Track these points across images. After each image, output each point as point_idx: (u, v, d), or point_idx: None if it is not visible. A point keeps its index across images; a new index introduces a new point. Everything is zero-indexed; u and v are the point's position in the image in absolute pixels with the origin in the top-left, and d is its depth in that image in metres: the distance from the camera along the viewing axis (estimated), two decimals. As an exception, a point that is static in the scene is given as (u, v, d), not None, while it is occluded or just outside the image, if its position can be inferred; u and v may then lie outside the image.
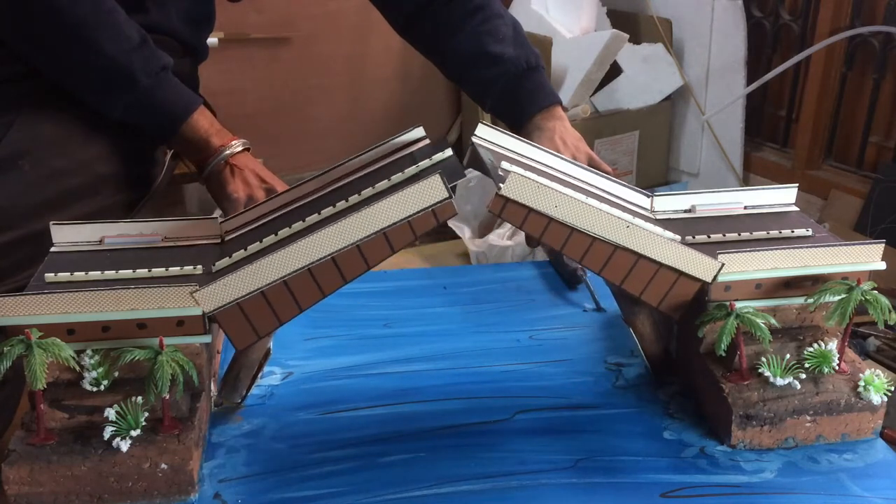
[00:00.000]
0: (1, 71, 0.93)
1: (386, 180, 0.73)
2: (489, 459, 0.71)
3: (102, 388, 0.67)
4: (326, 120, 2.41)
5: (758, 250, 0.72)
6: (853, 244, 0.73)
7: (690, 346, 0.78)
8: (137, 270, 0.72)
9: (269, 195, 0.89)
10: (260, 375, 0.82)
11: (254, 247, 0.72)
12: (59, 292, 0.65)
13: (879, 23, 1.95)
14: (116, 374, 0.67)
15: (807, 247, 0.73)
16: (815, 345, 0.74)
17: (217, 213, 0.91)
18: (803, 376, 0.72)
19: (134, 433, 0.64)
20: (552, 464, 0.71)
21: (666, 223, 0.81)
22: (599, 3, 2.36)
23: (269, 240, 0.73)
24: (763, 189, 0.86)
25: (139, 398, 0.65)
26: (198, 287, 0.66)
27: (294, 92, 2.34)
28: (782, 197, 0.86)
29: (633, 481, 0.69)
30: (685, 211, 0.85)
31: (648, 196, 0.86)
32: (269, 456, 0.72)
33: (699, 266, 0.72)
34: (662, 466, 0.70)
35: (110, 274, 0.71)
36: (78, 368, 0.66)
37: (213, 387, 0.78)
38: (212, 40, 1.46)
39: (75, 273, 0.71)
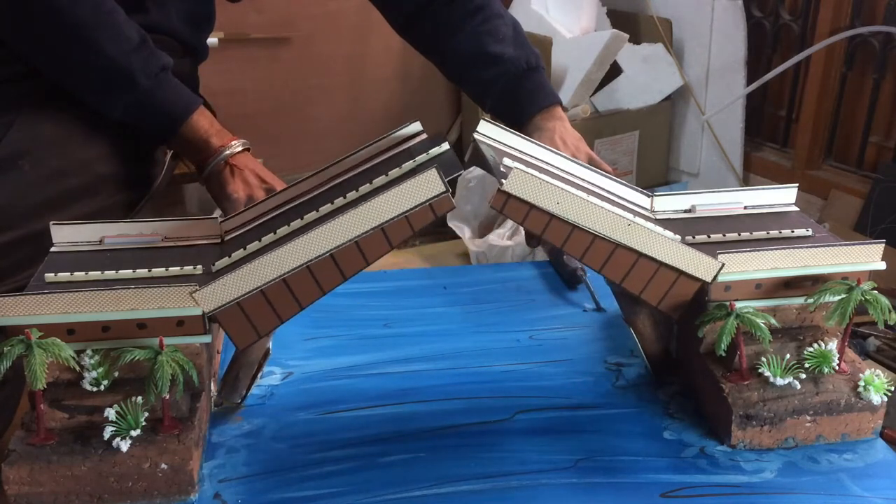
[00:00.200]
0: (1, 71, 0.93)
1: (383, 176, 0.73)
2: (489, 459, 0.71)
3: (102, 388, 0.67)
4: (326, 120, 2.41)
5: (758, 250, 0.72)
6: (853, 244, 0.73)
7: (690, 346, 0.78)
8: (137, 270, 0.72)
9: (268, 195, 0.89)
10: (260, 375, 0.82)
11: (253, 246, 0.72)
12: (59, 292, 0.65)
13: (879, 23, 1.95)
14: (116, 374, 0.67)
15: (807, 247, 0.73)
16: (815, 345, 0.74)
17: (217, 213, 0.91)
18: (803, 376, 0.72)
19: (134, 433, 0.64)
20: (552, 464, 0.71)
21: (666, 223, 0.81)
22: (599, 3, 2.36)
23: (269, 238, 0.73)
24: (763, 189, 0.86)
25: (139, 398, 0.65)
26: (198, 287, 0.66)
27: (294, 92, 2.34)
28: (782, 197, 0.86)
29: (633, 481, 0.69)
30: (685, 211, 0.85)
31: (649, 196, 0.86)
32: (269, 456, 0.72)
33: (699, 266, 0.72)
34: (662, 466, 0.70)
35: (110, 274, 0.71)
36: (78, 368, 0.66)
37: (213, 387, 0.78)
38: (212, 40, 1.46)
39: (75, 273, 0.71)
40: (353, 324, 0.95)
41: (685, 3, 2.29)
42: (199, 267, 0.72)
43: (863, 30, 1.96)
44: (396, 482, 0.68)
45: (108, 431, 0.64)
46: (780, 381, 0.71)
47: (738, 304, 0.71)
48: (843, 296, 0.71)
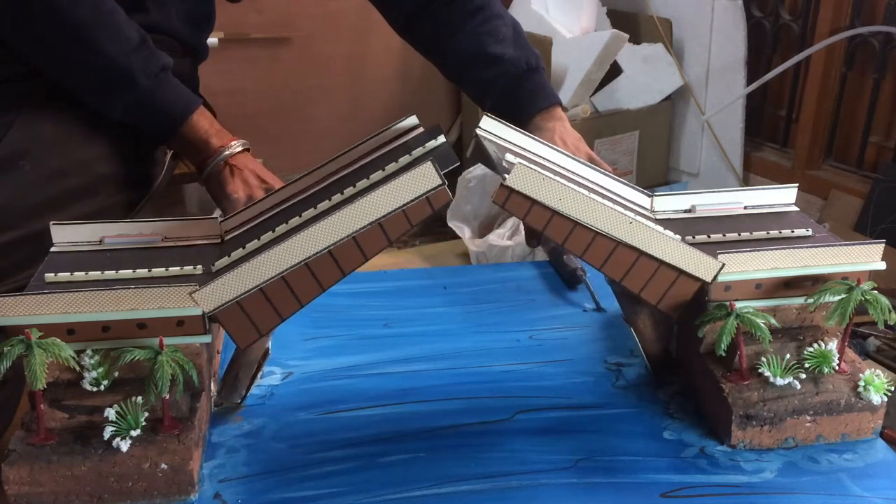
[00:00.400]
0: (1, 71, 0.93)
1: (380, 171, 0.73)
2: (489, 459, 0.71)
3: (102, 388, 0.67)
4: (326, 120, 2.41)
5: (758, 250, 0.72)
6: (853, 244, 0.73)
7: (690, 346, 0.78)
8: (137, 270, 0.72)
9: (268, 194, 0.89)
10: (259, 375, 0.82)
11: (252, 245, 0.72)
12: (59, 292, 0.65)
13: (879, 23, 1.95)
14: (116, 374, 0.67)
15: (807, 247, 0.73)
16: (815, 345, 0.74)
17: (217, 213, 0.91)
18: (803, 376, 0.72)
19: (134, 433, 0.64)
20: (552, 464, 0.71)
21: (666, 223, 0.81)
22: (599, 3, 2.36)
23: (267, 237, 0.72)
24: (763, 189, 0.86)
25: (139, 398, 0.65)
26: (197, 287, 0.66)
27: (294, 92, 2.34)
28: (782, 197, 0.86)
29: (633, 481, 0.69)
30: (685, 211, 0.85)
31: (649, 196, 0.86)
32: (269, 456, 0.72)
33: (700, 265, 0.72)
34: (662, 466, 0.70)
35: (110, 274, 0.71)
36: (78, 368, 0.66)
37: (213, 387, 0.78)
38: (212, 40, 1.46)
39: (75, 273, 0.71)
40: (353, 324, 0.95)
41: (685, 3, 2.29)
42: (199, 267, 0.72)
43: (863, 30, 1.96)
44: (396, 482, 0.68)
45: (108, 431, 0.64)
46: (780, 381, 0.71)
47: (738, 304, 0.71)
48: (843, 296, 0.71)
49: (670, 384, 0.82)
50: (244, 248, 0.72)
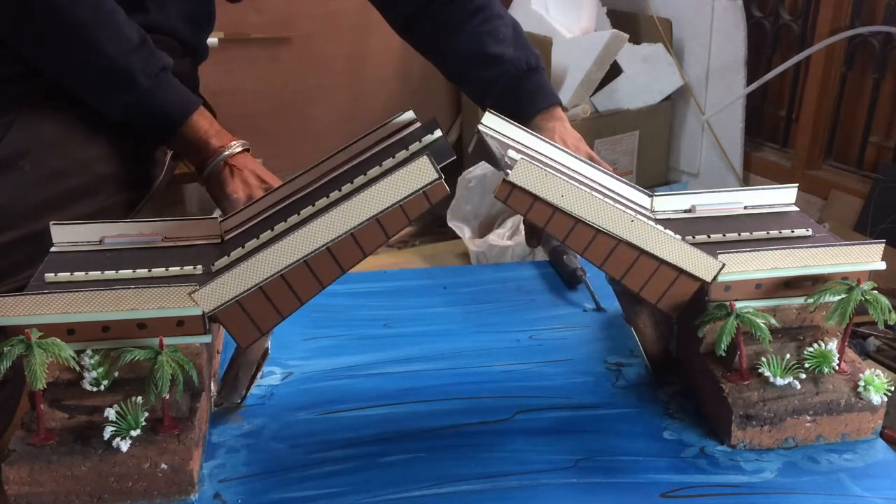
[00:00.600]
0: (1, 71, 0.93)
1: (378, 167, 0.73)
2: (489, 459, 0.71)
3: (102, 388, 0.67)
4: (326, 120, 2.41)
5: (758, 250, 0.72)
6: (853, 244, 0.73)
7: (690, 346, 0.78)
8: (137, 270, 0.72)
9: (266, 193, 0.89)
10: (259, 375, 0.82)
11: (251, 244, 0.72)
12: (59, 292, 0.65)
13: (879, 23, 1.95)
14: (116, 374, 0.67)
15: (807, 247, 0.73)
16: (815, 345, 0.74)
17: (217, 213, 0.91)
18: (803, 376, 0.72)
19: (134, 433, 0.64)
20: (552, 464, 0.71)
21: (666, 223, 0.81)
22: (599, 3, 2.36)
23: (266, 235, 0.72)
24: (763, 189, 0.86)
25: (139, 398, 0.65)
26: (197, 287, 0.66)
27: (294, 92, 2.34)
28: (782, 197, 0.86)
29: (633, 481, 0.69)
30: (685, 211, 0.85)
31: (649, 195, 0.86)
32: (269, 456, 0.72)
33: (700, 265, 0.72)
34: (662, 466, 0.70)
35: (110, 274, 0.71)
36: (78, 368, 0.66)
37: (213, 387, 0.78)
38: (212, 40, 1.46)
39: (75, 273, 0.71)
40: (353, 324, 0.95)
41: (685, 3, 2.29)
42: (199, 267, 0.72)
43: (863, 30, 1.96)
44: (396, 482, 0.68)
45: (108, 431, 0.64)
46: (780, 381, 0.71)
47: (738, 304, 0.71)
48: (843, 296, 0.71)
49: (670, 384, 0.82)
50: (243, 247, 0.72)
